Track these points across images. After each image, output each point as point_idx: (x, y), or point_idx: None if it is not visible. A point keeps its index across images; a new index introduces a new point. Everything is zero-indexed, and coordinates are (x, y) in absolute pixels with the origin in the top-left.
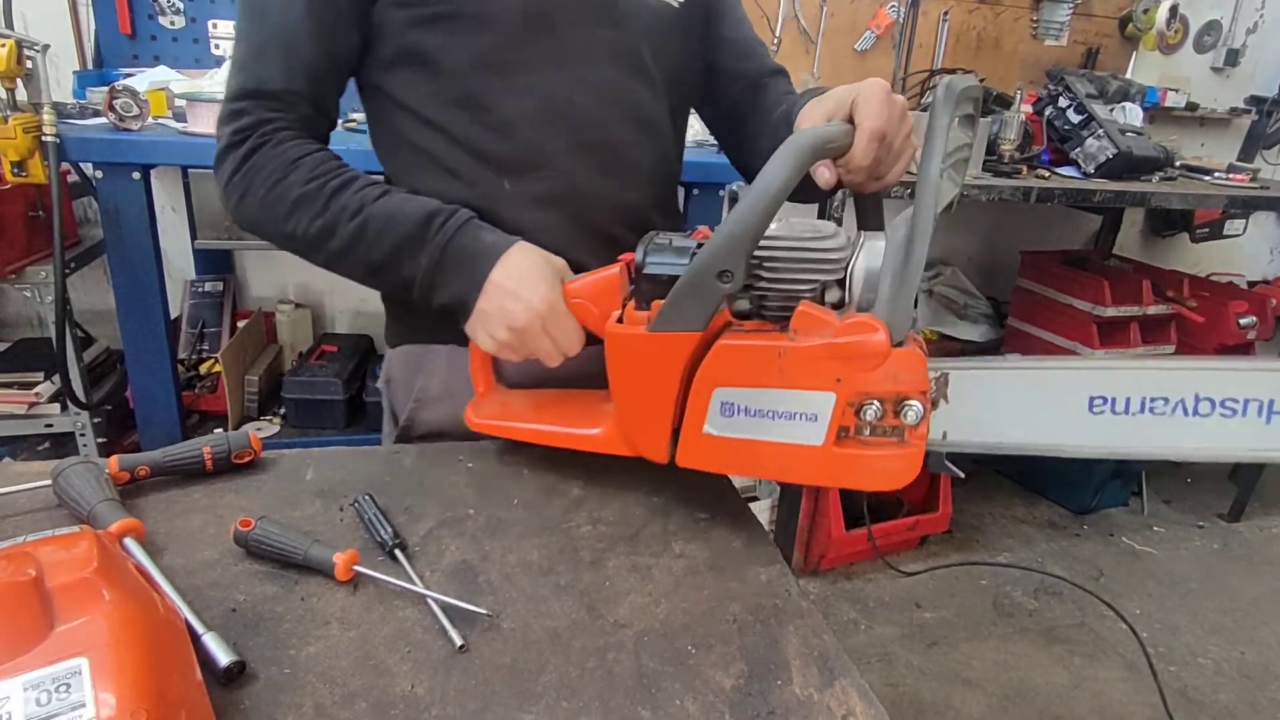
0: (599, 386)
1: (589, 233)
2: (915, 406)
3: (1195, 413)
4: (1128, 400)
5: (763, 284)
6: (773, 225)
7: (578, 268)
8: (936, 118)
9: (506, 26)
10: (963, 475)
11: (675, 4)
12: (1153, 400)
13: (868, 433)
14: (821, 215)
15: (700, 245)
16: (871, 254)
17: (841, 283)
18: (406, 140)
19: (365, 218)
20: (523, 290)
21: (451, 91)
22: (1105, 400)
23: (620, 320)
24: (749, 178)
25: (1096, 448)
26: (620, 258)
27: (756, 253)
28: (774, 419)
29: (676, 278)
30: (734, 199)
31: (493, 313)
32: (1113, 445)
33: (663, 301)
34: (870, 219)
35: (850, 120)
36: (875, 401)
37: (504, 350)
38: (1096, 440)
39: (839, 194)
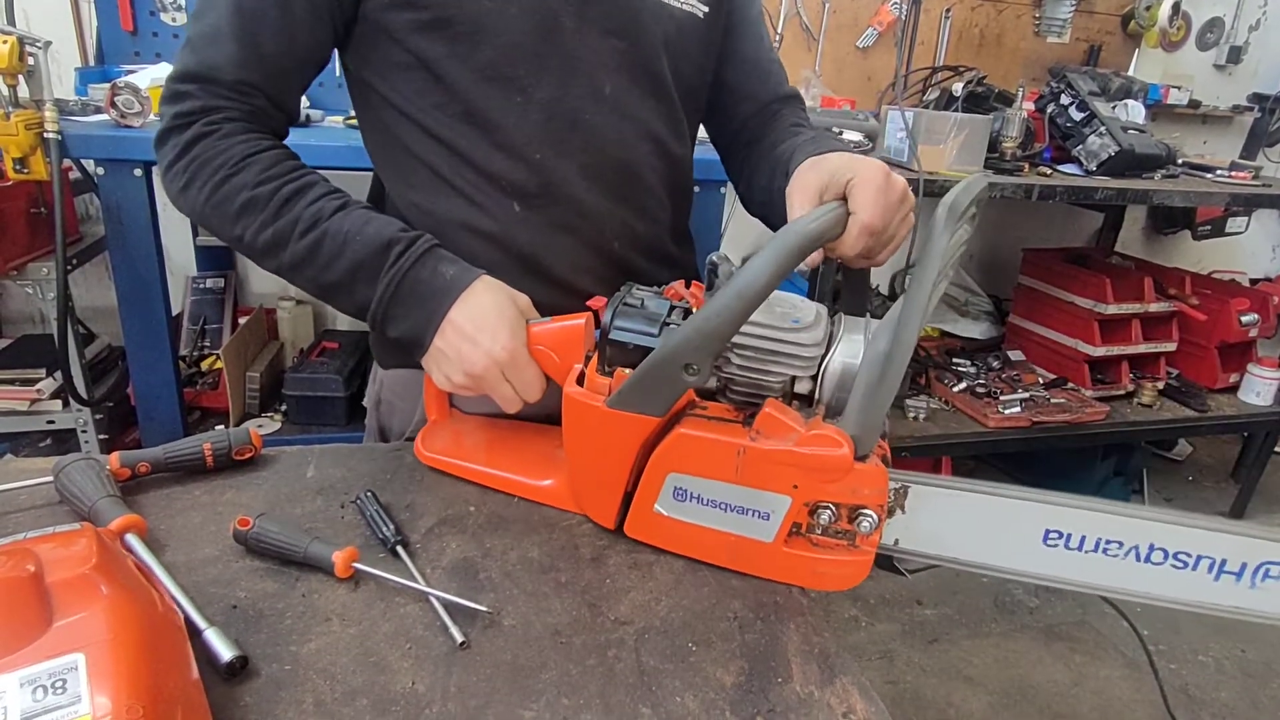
0: (559, 422)
1: (603, 260)
2: (870, 517)
3: (1147, 560)
4: (1083, 538)
5: (731, 368)
6: None
7: (586, 295)
8: (935, 238)
9: (510, 36)
10: (907, 576)
11: (700, 13)
12: (1108, 542)
13: (819, 532)
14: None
15: (673, 308)
16: (848, 350)
17: (814, 376)
18: (410, 152)
19: (320, 235)
20: (482, 335)
21: (457, 105)
22: (1061, 535)
23: (581, 379)
24: (746, 204)
25: (1046, 576)
26: (589, 303)
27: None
28: (726, 510)
29: (642, 348)
30: (712, 270)
31: (450, 354)
32: (1063, 577)
33: (626, 371)
34: (854, 295)
35: (844, 197)
36: (832, 505)
37: (460, 390)
38: (1047, 570)
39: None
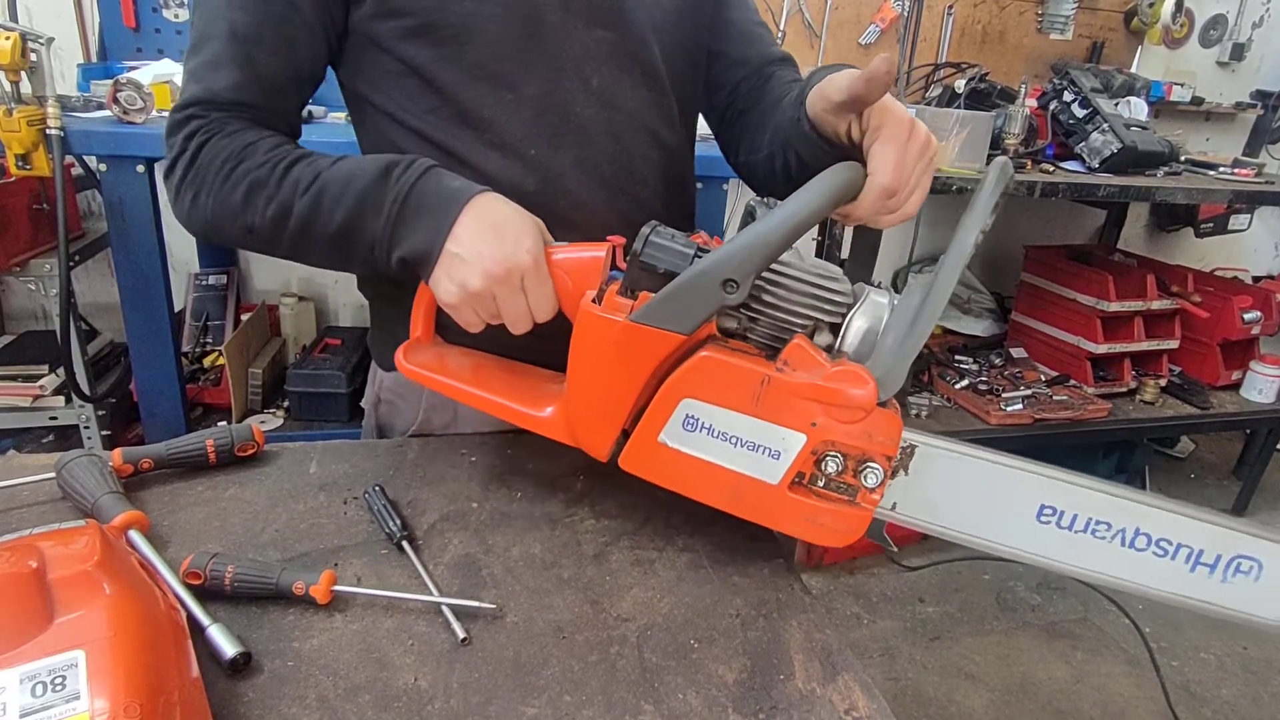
0: (550, 364)
1: None
2: (876, 470)
3: (1131, 545)
4: (1074, 517)
5: (759, 306)
6: None
7: None
8: (984, 197)
9: (496, 34)
10: (895, 549)
11: None
12: (1097, 523)
13: (822, 484)
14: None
15: (700, 249)
16: (871, 311)
17: (834, 329)
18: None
19: (321, 187)
20: (505, 238)
21: (449, 108)
22: (1054, 511)
23: (598, 301)
24: (748, 175)
25: (1034, 556)
26: (609, 238)
27: (764, 274)
28: (736, 445)
29: (672, 273)
30: (749, 213)
31: (467, 256)
32: (1050, 556)
33: (651, 294)
34: (860, 262)
35: (862, 141)
36: (839, 455)
37: (468, 303)
38: (1036, 548)
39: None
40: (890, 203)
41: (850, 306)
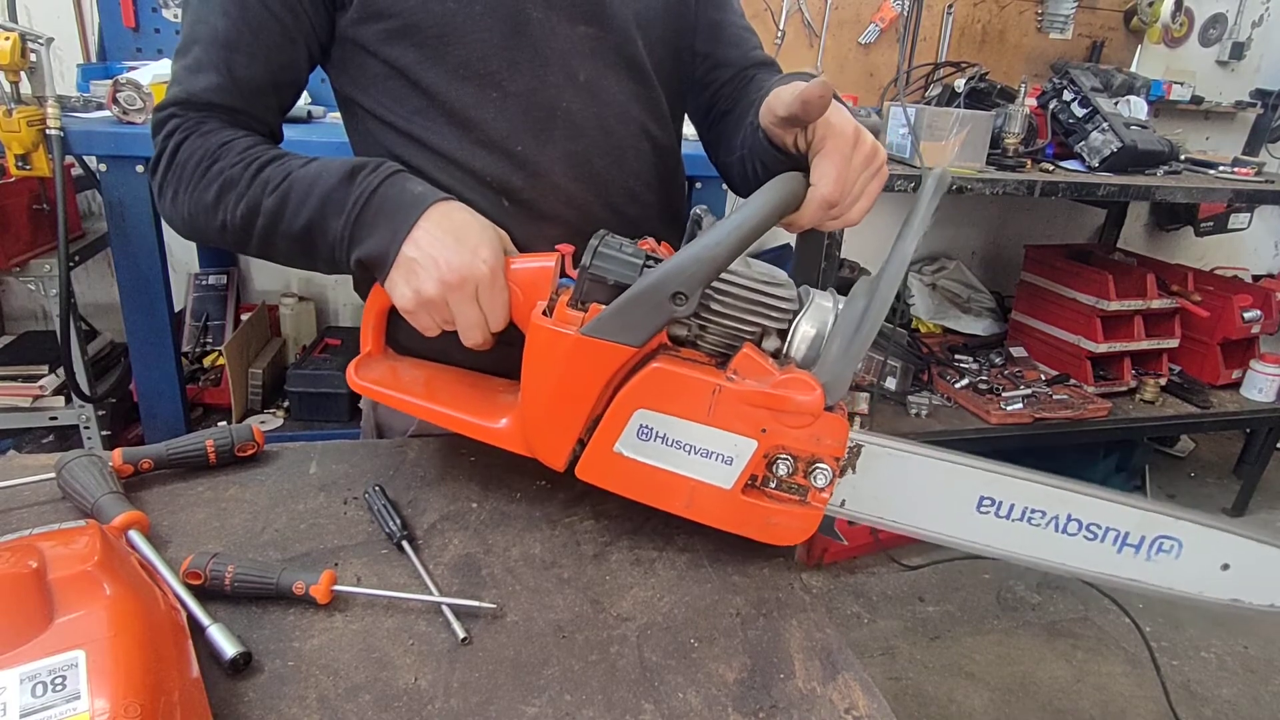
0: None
1: None
2: (825, 470)
3: (1064, 530)
4: (1011, 506)
5: (708, 315)
6: None
7: None
8: (924, 205)
9: (478, 34)
10: (845, 542)
11: None
12: (1033, 511)
13: (774, 486)
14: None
15: (649, 257)
16: (816, 315)
17: (783, 334)
18: (399, 160)
19: (289, 186)
20: (462, 248)
21: (436, 108)
22: (993, 502)
23: (550, 312)
24: (726, 177)
25: (975, 544)
26: (558, 248)
27: (712, 283)
28: (690, 453)
29: (621, 284)
30: (696, 222)
31: (423, 262)
32: (991, 544)
33: (601, 305)
34: (806, 263)
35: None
36: (790, 457)
37: (423, 308)
38: (977, 537)
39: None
40: (832, 211)
41: (796, 312)
